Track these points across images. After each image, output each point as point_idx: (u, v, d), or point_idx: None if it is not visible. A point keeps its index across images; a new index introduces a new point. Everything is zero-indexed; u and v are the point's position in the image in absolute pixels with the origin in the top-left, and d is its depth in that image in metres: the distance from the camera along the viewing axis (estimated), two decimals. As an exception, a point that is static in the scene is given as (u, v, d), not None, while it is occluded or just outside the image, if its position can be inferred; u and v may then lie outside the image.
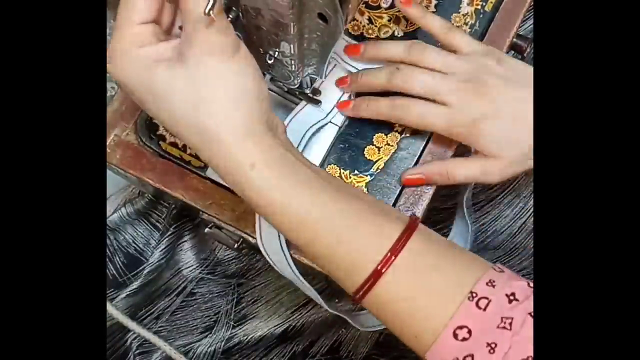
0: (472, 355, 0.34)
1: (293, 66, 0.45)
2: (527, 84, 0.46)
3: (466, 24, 0.54)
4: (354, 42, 0.53)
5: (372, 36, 0.54)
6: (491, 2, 0.55)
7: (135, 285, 0.66)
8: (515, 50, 0.56)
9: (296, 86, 0.48)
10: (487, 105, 0.46)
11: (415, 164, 0.51)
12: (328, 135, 0.52)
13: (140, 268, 0.67)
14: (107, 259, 0.67)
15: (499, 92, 0.46)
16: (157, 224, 0.68)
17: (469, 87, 0.46)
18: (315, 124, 0.51)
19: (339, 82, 0.52)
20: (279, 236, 0.47)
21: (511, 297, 0.35)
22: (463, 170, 0.48)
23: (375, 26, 0.55)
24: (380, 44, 0.51)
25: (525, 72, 0.47)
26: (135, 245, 0.67)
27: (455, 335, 0.35)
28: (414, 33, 0.54)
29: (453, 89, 0.46)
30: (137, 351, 0.66)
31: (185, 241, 0.68)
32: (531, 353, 0.32)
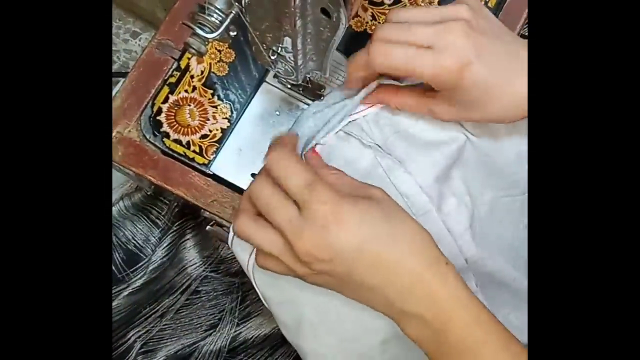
0: None
1: (296, 62, 0.44)
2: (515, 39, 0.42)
3: (470, 19, 0.54)
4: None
5: (375, 32, 0.54)
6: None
7: (138, 283, 0.66)
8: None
9: (299, 82, 0.48)
10: (473, 48, 0.40)
11: None
12: None
13: (140, 265, 0.67)
14: (107, 256, 0.67)
15: (484, 38, 0.41)
16: (157, 221, 0.68)
17: (453, 26, 0.40)
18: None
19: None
20: (251, 254, 0.47)
21: None
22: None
23: (379, 22, 0.54)
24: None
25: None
26: (134, 242, 0.67)
27: None
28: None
29: (435, 29, 0.40)
30: (141, 350, 0.66)
31: (188, 239, 0.68)
32: None
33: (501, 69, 0.41)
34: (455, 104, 0.43)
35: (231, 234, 0.48)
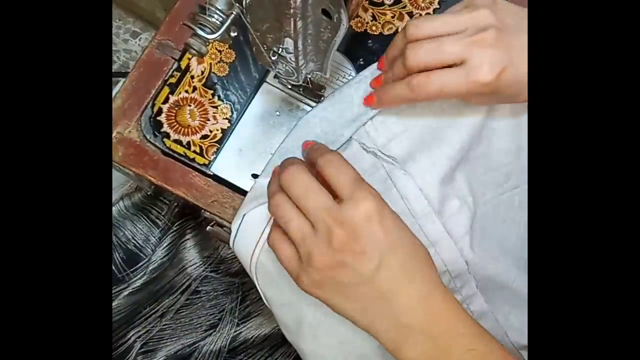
0: None
1: (296, 62, 0.44)
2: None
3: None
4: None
5: (375, 33, 0.54)
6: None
7: (138, 283, 0.66)
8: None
9: (299, 82, 0.48)
10: (505, 53, 0.41)
11: None
12: None
13: (140, 265, 0.67)
14: (107, 255, 0.67)
15: (513, 38, 0.41)
16: (157, 221, 0.68)
17: (481, 38, 0.41)
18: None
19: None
20: (253, 251, 0.47)
21: None
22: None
23: (379, 23, 0.54)
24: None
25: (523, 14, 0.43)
26: (134, 242, 0.67)
27: None
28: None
29: (464, 44, 0.41)
30: (141, 350, 0.66)
31: (188, 239, 0.68)
32: None
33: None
34: (488, 98, 0.44)
35: (233, 234, 0.48)
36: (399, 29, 0.54)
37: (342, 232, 0.37)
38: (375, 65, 0.49)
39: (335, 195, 0.39)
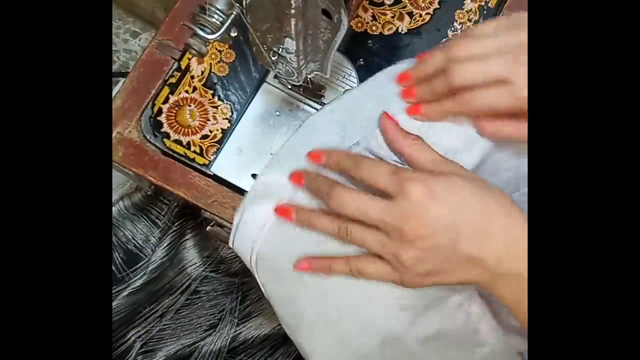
0: None
1: (297, 63, 0.44)
2: None
3: (470, 20, 0.54)
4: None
5: (375, 33, 0.54)
6: (496, -2, 0.54)
7: (138, 283, 0.66)
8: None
9: (299, 82, 0.48)
10: None
11: None
12: None
13: (140, 265, 0.67)
14: (107, 255, 0.67)
15: None
16: (157, 221, 0.68)
17: (521, 57, 0.41)
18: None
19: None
20: (254, 246, 0.47)
21: None
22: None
23: (379, 23, 0.54)
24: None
25: None
26: (134, 242, 0.67)
27: None
28: (418, 29, 0.54)
29: (508, 64, 0.42)
30: (141, 350, 0.66)
31: (188, 239, 0.68)
32: None
33: None
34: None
35: (233, 229, 0.48)
36: (399, 29, 0.54)
37: (408, 226, 0.38)
38: (380, 74, 0.49)
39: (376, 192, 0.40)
